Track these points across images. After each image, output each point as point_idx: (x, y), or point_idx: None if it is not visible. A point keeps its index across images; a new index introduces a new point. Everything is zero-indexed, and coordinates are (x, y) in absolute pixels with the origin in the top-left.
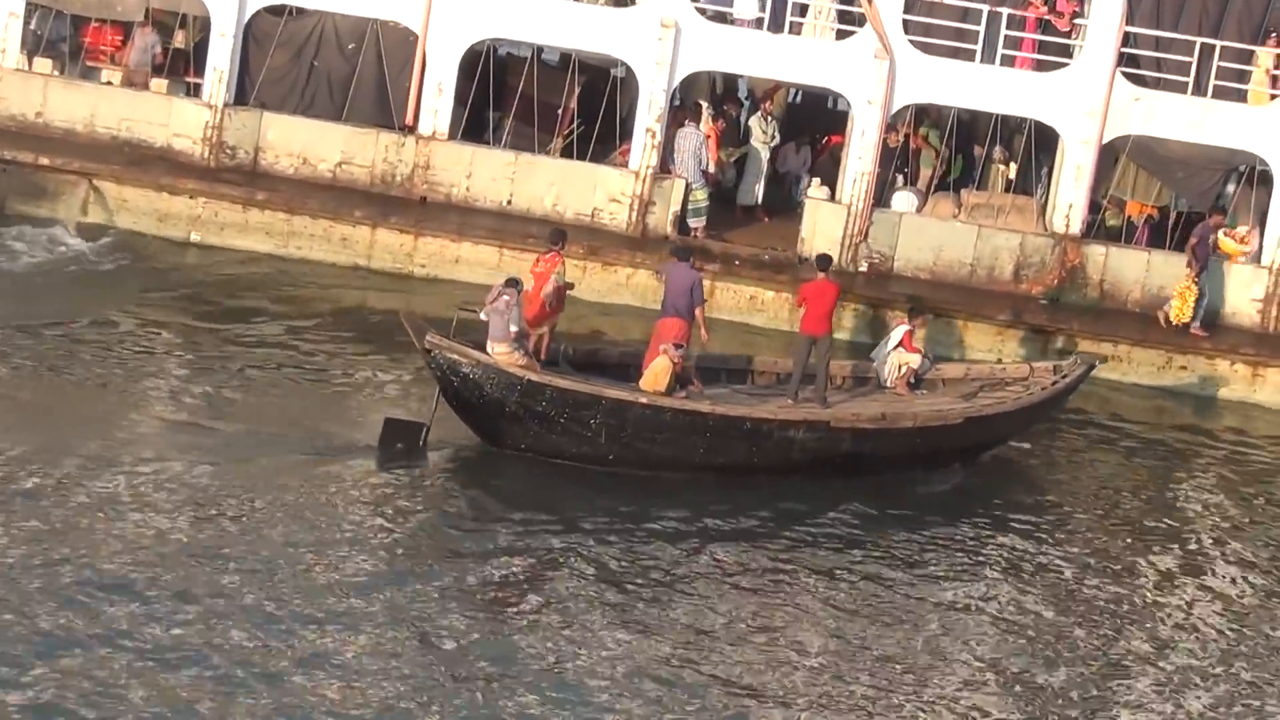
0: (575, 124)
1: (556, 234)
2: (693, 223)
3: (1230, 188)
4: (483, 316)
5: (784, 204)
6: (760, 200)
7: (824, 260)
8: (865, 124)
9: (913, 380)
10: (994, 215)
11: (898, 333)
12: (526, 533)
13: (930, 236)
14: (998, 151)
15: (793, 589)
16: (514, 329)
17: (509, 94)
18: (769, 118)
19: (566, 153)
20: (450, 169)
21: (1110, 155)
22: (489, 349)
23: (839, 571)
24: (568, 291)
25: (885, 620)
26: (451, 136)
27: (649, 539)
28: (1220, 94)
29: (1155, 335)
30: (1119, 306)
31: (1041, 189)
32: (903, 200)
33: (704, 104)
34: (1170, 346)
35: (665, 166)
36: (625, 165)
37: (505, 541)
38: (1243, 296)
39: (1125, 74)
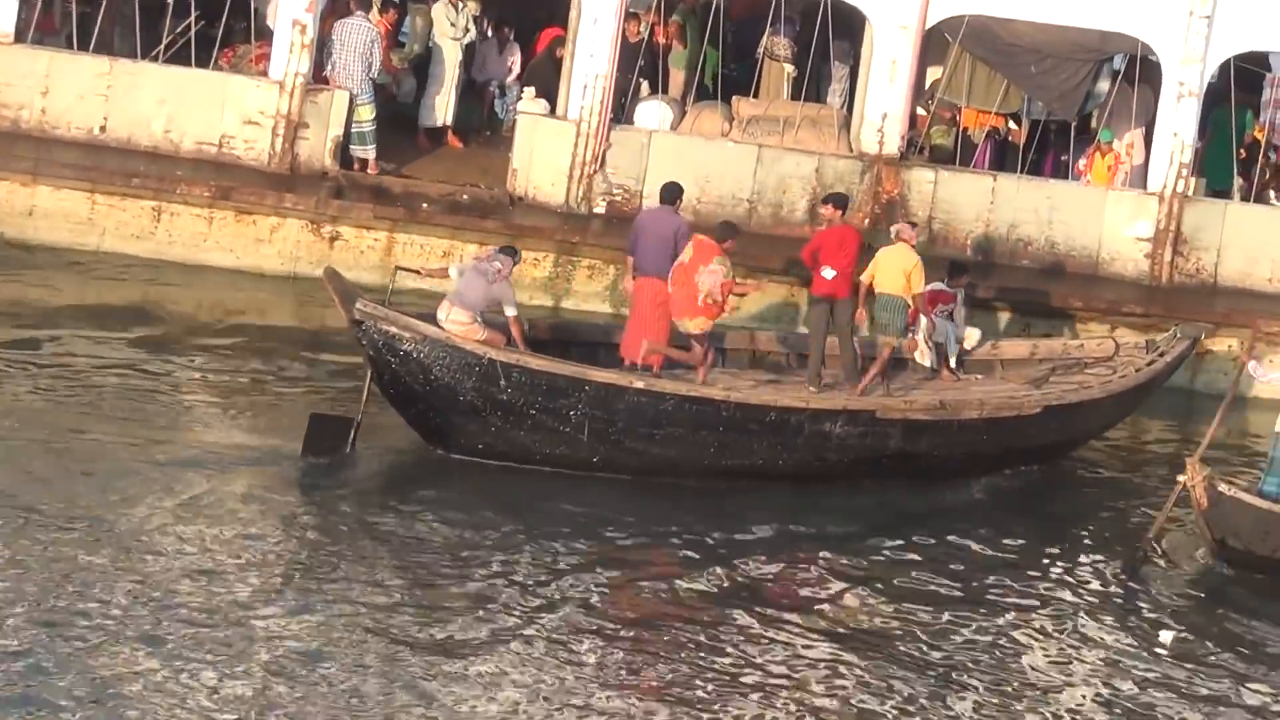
0: (192, 19)
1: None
2: (359, 152)
3: (1102, 85)
4: (453, 273)
5: (484, 124)
6: (451, 120)
7: (839, 199)
8: (597, 10)
9: (952, 361)
10: (779, 131)
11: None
12: (481, 562)
13: (692, 161)
14: (779, 43)
15: (818, 643)
16: (512, 312)
17: None
18: (460, 5)
19: (181, 58)
20: (18, 84)
21: (937, 45)
22: (443, 316)
23: (873, 614)
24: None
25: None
26: (19, 39)
27: (640, 566)
28: None
29: (1011, 293)
30: (957, 251)
31: (843, 95)
32: (652, 113)
33: None
34: (1031, 309)
35: (319, 74)
36: (264, 74)
37: (456, 573)
38: (1123, 236)
39: None
